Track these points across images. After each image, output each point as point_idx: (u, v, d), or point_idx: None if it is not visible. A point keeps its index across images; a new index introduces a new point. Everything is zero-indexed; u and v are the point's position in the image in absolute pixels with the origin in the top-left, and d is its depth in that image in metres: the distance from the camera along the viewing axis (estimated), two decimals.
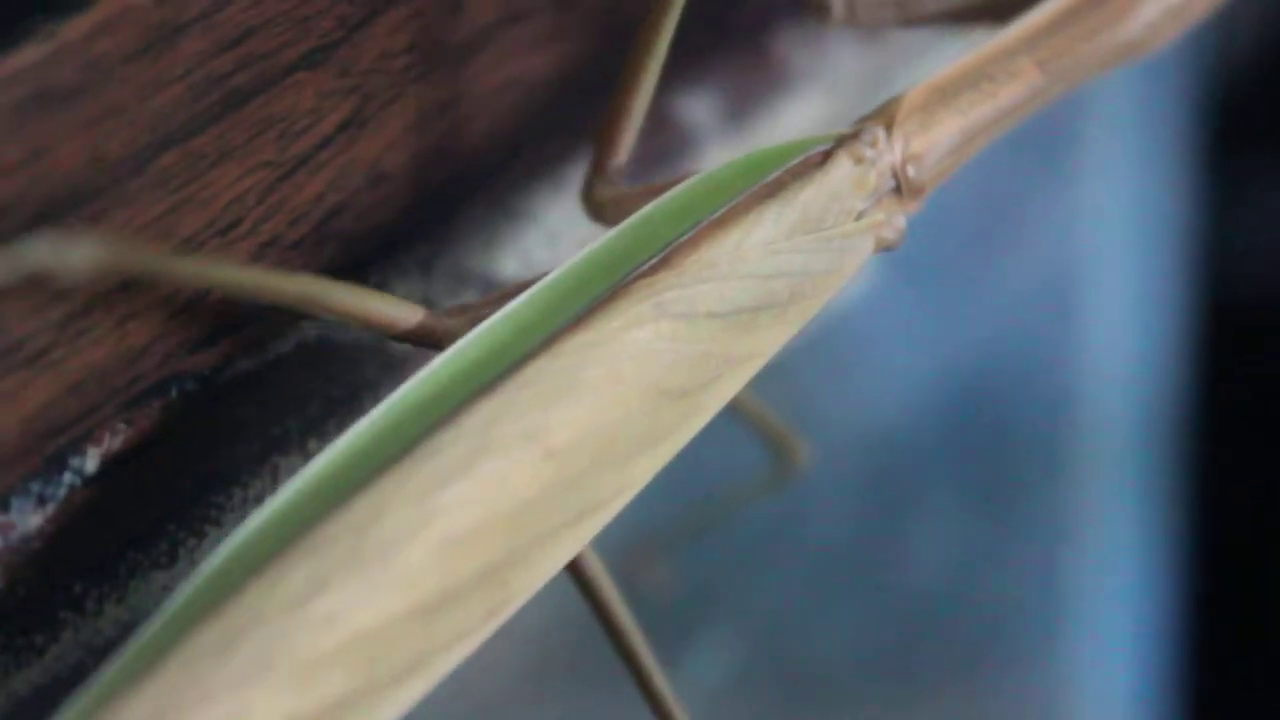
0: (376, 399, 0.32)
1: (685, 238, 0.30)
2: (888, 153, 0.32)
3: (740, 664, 0.49)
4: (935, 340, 0.53)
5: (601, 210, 0.32)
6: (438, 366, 0.28)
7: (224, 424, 0.30)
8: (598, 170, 0.32)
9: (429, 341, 0.30)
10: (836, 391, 0.49)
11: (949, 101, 0.33)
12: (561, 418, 0.28)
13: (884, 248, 0.32)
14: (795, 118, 0.39)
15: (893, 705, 0.56)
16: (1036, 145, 0.52)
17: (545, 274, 0.29)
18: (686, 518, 0.43)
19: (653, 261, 0.30)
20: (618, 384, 0.29)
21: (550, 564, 0.29)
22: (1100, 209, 0.56)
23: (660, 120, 0.35)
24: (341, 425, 0.32)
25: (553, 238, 0.35)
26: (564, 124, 0.34)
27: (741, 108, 0.38)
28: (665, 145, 0.37)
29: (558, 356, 0.28)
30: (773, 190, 0.31)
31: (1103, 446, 0.58)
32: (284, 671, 0.26)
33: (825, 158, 0.31)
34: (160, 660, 0.25)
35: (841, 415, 0.50)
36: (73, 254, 0.25)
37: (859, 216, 0.31)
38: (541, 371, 0.28)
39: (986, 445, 0.56)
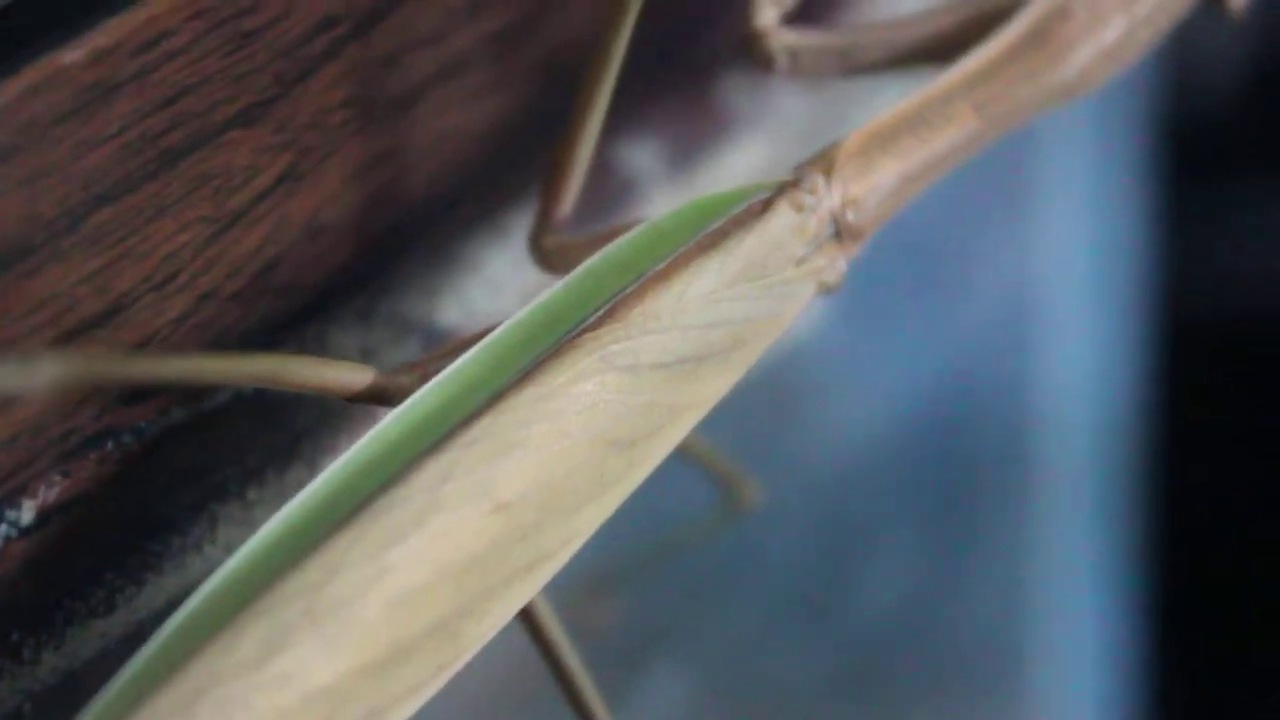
0: (315, 447, 0.33)
1: (629, 290, 0.30)
2: (827, 198, 0.32)
3: (696, 695, 0.49)
4: (891, 376, 0.54)
5: (548, 258, 0.33)
6: (388, 425, 0.28)
7: (160, 474, 0.30)
8: (544, 220, 0.32)
9: (382, 399, 0.30)
10: (794, 429, 0.50)
11: (887, 147, 0.33)
12: (509, 472, 0.29)
13: (825, 291, 0.32)
14: (738, 164, 0.39)
15: None
16: (990, 178, 0.53)
17: (493, 328, 0.29)
18: (639, 555, 0.43)
19: (598, 314, 0.30)
20: (564, 437, 0.29)
21: (500, 615, 0.29)
22: (1055, 240, 0.56)
23: (605, 168, 0.36)
24: (280, 473, 0.32)
25: (494, 286, 0.35)
26: (503, 174, 0.35)
27: (685, 155, 0.38)
28: (610, 193, 0.37)
29: (505, 412, 0.29)
30: (715, 240, 0.31)
31: (1058, 473, 0.58)
32: None
33: (766, 205, 0.32)
34: (129, 713, 0.26)
35: (800, 451, 0.50)
36: (36, 375, 0.25)
37: (800, 262, 0.32)
38: (489, 428, 0.28)
39: (943, 477, 0.56)
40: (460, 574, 0.28)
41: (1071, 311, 0.57)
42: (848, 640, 0.54)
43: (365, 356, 0.33)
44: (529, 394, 0.29)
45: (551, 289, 0.30)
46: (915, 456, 0.54)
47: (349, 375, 0.30)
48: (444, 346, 0.31)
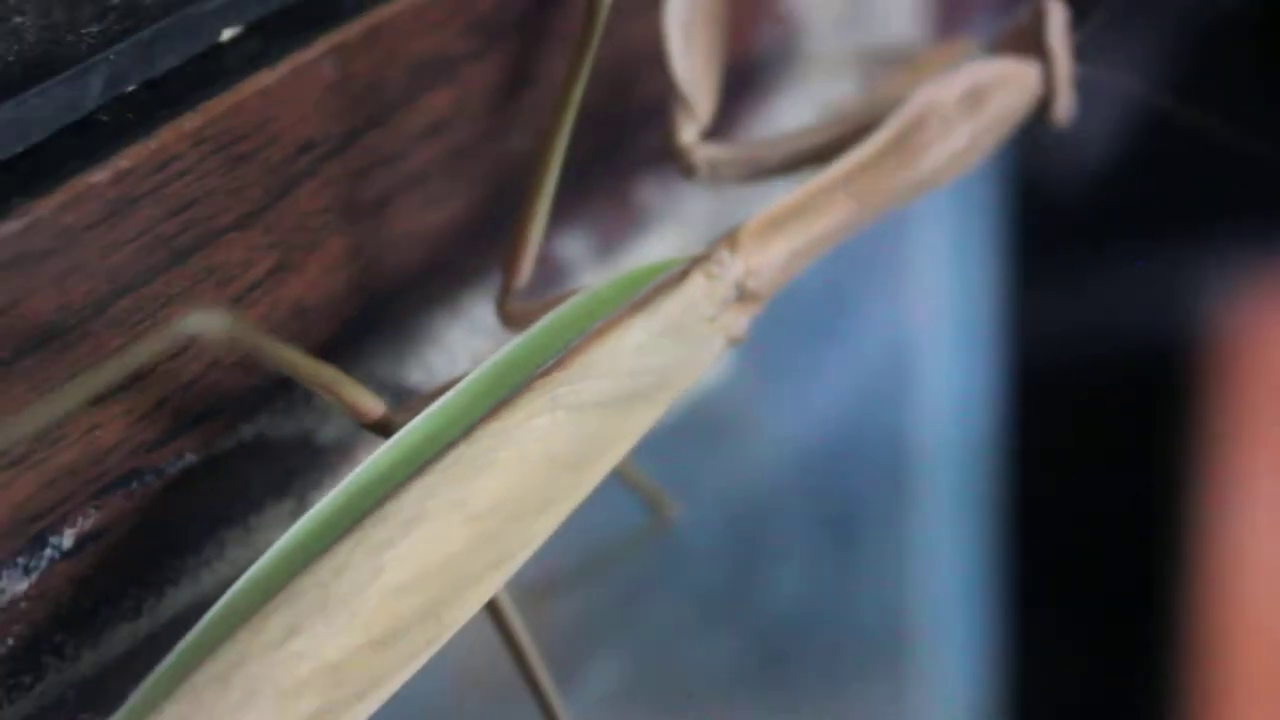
0: (304, 483, 0.33)
1: (574, 344, 0.31)
2: (732, 269, 0.33)
3: (629, 680, 0.49)
4: (791, 414, 0.54)
5: (511, 319, 0.33)
6: (382, 452, 0.29)
7: (177, 506, 0.31)
8: (506, 289, 0.33)
9: (383, 430, 0.31)
10: (713, 458, 0.50)
11: (781, 228, 0.33)
12: (480, 490, 0.29)
13: (732, 343, 0.33)
14: (652, 251, 0.39)
15: (759, 713, 0.56)
16: (872, 252, 0.53)
17: (464, 376, 0.30)
18: (580, 564, 0.43)
19: (549, 364, 0.30)
20: (524, 461, 0.30)
21: (474, 603, 0.30)
22: (925, 302, 0.56)
23: (545, 254, 0.36)
24: (277, 503, 0.33)
25: (450, 353, 0.35)
26: (457, 263, 0.35)
27: (609, 244, 0.38)
28: (549, 274, 0.37)
29: (475, 442, 0.29)
30: (643, 303, 0.32)
31: (930, 493, 0.58)
32: (268, 697, 0.27)
33: (684, 274, 0.32)
34: (175, 691, 0.27)
35: (717, 476, 0.50)
36: (214, 324, 0.26)
37: (711, 320, 0.32)
38: (462, 454, 0.29)
39: (834, 497, 0.56)
40: (441, 571, 0.29)
41: (939, 361, 0.57)
42: (756, 633, 0.54)
43: (343, 415, 0.32)
44: (494, 427, 0.30)
45: (512, 343, 0.31)
46: (812, 480, 0.54)
47: (368, 402, 0.30)
48: (428, 392, 0.31)
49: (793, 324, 0.41)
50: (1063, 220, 0.93)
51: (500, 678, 0.45)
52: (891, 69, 0.41)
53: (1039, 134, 0.84)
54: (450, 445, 0.29)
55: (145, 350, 0.27)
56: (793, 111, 0.41)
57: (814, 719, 0.58)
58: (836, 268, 0.50)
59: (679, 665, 0.51)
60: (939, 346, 0.57)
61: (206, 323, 0.26)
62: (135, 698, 0.27)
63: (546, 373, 0.30)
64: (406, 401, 0.31)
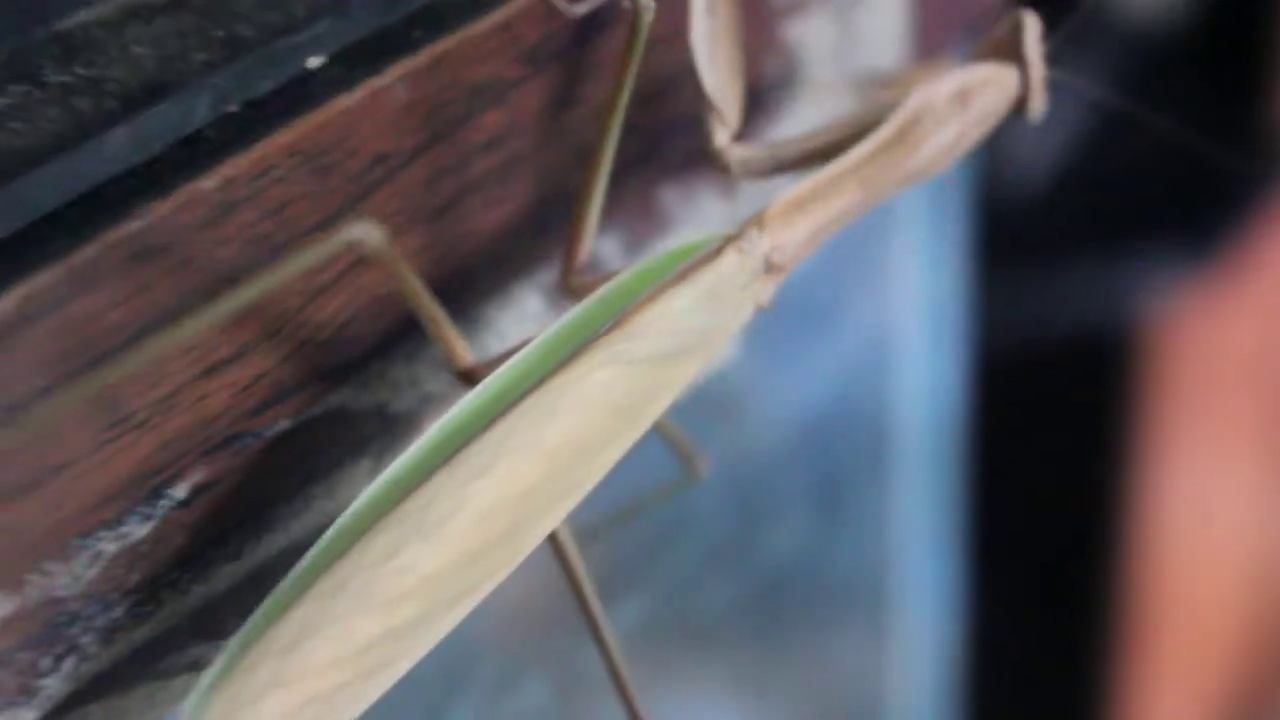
0: (378, 446, 0.34)
1: (628, 309, 0.31)
2: (760, 245, 0.33)
3: (649, 617, 0.49)
4: (790, 389, 0.54)
5: (573, 292, 0.34)
6: (468, 400, 0.30)
7: (273, 465, 0.31)
8: (568, 268, 0.34)
9: (468, 378, 0.32)
10: (722, 426, 0.50)
11: (801, 210, 0.33)
12: (552, 431, 0.30)
13: (759, 309, 0.33)
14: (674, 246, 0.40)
15: (759, 647, 0.56)
16: (860, 250, 0.53)
17: (535, 337, 0.31)
18: (615, 514, 0.43)
19: (608, 326, 0.31)
20: (589, 407, 0.30)
21: (545, 527, 0.30)
22: (905, 294, 0.56)
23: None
24: (354, 462, 0.33)
25: (502, 336, 0.36)
26: (510, 257, 0.35)
27: (637, 240, 0.39)
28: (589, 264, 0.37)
29: (548, 391, 0.30)
30: (685, 274, 0.32)
31: (908, 459, 0.59)
32: (376, 604, 0.28)
33: (720, 250, 0.33)
34: (299, 599, 0.28)
35: (726, 443, 0.50)
36: (371, 236, 0.27)
37: (743, 288, 0.33)
38: (537, 402, 0.30)
39: (825, 462, 0.56)
40: (519, 500, 0.29)
41: (913, 350, 0.57)
42: (755, 580, 0.54)
43: (412, 386, 0.33)
44: (564, 379, 0.30)
45: (576, 308, 0.31)
46: (804, 451, 0.55)
47: (462, 350, 0.31)
48: (505, 351, 0.32)
49: (790, 318, 0.41)
50: (1019, 228, 0.93)
51: (540, 610, 0.45)
52: (881, 86, 0.41)
53: (998, 157, 0.84)
54: (526, 394, 0.30)
55: (311, 256, 0.28)
56: (796, 126, 0.42)
57: (803, 652, 0.58)
58: (828, 271, 0.51)
59: (691, 605, 0.52)
60: (913, 337, 0.57)
61: (365, 233, 0.27)
62: (258, 612, 0.28)
63: (607, 333, 0.31)
64: (488, 357, 0.32)
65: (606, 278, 0.32)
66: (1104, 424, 1.00)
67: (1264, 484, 1.20)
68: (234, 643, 0.28)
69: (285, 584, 0.28)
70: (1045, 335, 0.96)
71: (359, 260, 0.32)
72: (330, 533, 0.28)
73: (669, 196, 0.39)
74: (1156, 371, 1.00)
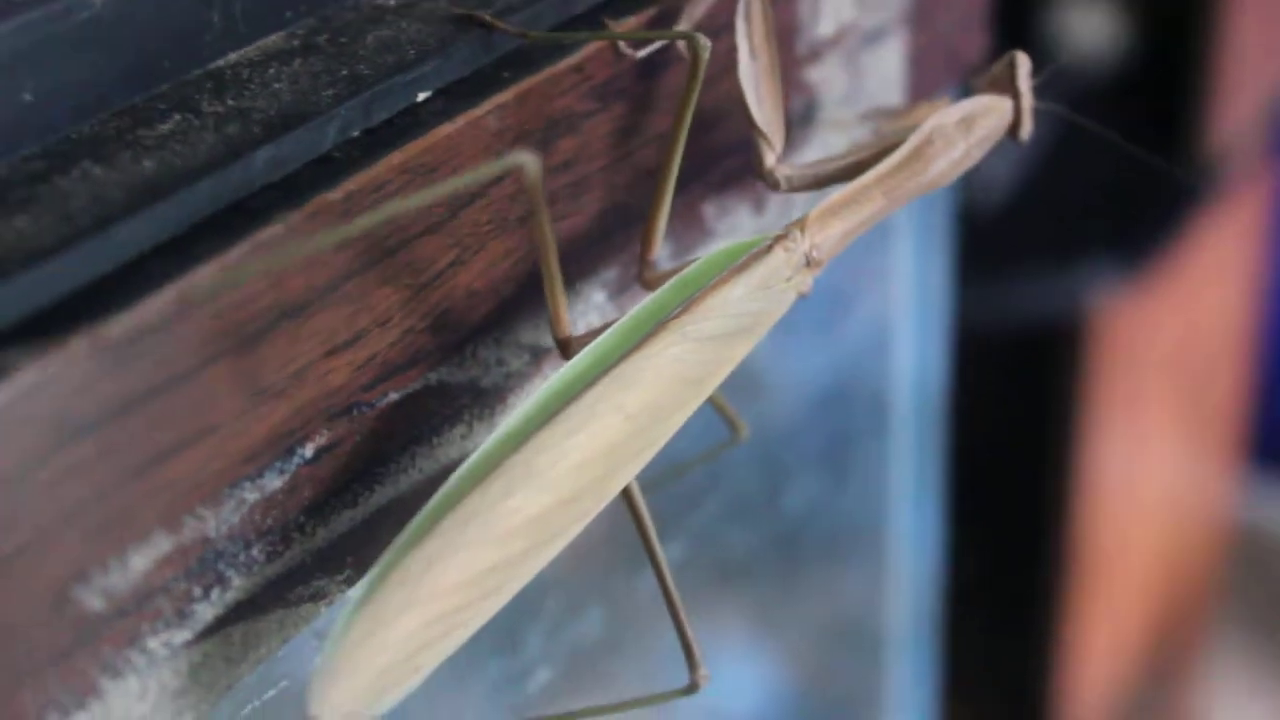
0: (471, 415, 0.33)
1: (695, 295, 0.31)
2: (802, 244, 0.33)
3: (686, 557, 0.49)
4: (805, 365, 0.53)
5: (647, 284, 0.33)
6: (565, 371, 0.30)
7: (384, 429, 0.31)
8: (644, 260, 0.33)
9: (564, 348, 0.31)
10: (746, 396, 0.49)
11: (836, 215, 0.33)
12: (634, 397, 0.29)
13: (801, 296, 0.33)
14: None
15: (778, 583, 0.56)
16: (867, 252, 0.53)
17: (617, 321, 0.31)
18: (678, 466, 0.42)
19: (677, 310, 0.31)
20: (662, 377, 0.30)
21: (626, 476, 0.30)
22: (902, 286, 0.55)
23: (635, 258, 0.36)
24: (451, 429, 0.32)
25: (573, 325, 0.34)
26: (579, 259, 0.34)
27: (683, 248, 0.38)
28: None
29: (629, 364, 0.30)
30: (741, 267, 0.32)
31: (903, 430, 0.58)
32: (492, 538, 0.28)
33: (769, 248, 0.32)
34: (429, 534, 0.27)
35: (750, 409, 0.49)
36: (531, 165, 0.28)
37: (788, 279, 0.32)
38: (621, 372, 0.29)
39: (834, 427, 0.55)
40: (607, 453, 0.29)
41: (906, 336, 0.56)
42: (775, 527, 0.53)
43: (499, 365, 0.33)
44: (642, 353, 0.30)
45: (650, 296, 0.31)
46: (819, 416, 0.54)
47: (565, 320, 0.31)
48: (593, 329, 0.32)
49: (807, 310, 0.40)
50: (990, 238, 0.94)
51: (597, 553, 0.45)
52: (886, 120, 0.41)
53: (973, 181, 0.82)
54: (611, 366, 0.29)
55: (477, 175, 0.29)
56: (817, 153, 0.41)
57: (815, 587, 0.58)
58: (838, 272, 0.50)
59: (721, 548, 0.51)
60: (906, 326, 0.56)
61: (527, 161, 0.27)
62: (393, 546, 0.28)
63: (676, 316, 0.30)
64: (580, 335, 0.32)
65: (675, 270, 0.32)
66: (1055, 398, 1.00)
67: (1180, 453, 1.20)
68: (374, 571, 0.27)
69: (415, 522, 0.28)
70: (1010, 325, 0.97)
71: (451, 264, 0.31)
72: (453, 480, 0.28)
73: (710, 210, 0.38)
74: (1098, 356, 0.99)
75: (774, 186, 0.35)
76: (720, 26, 0.35)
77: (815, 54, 0.40)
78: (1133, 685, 1.18)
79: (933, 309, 0.56)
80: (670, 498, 0.47)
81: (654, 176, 0.32)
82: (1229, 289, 1.20)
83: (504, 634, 0.41)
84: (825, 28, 0.40)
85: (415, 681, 0.28)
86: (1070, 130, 0.99)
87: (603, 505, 0.30)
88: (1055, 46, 1.01)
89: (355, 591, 0.27)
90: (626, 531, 0.33)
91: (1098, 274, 0.97)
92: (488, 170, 0.29)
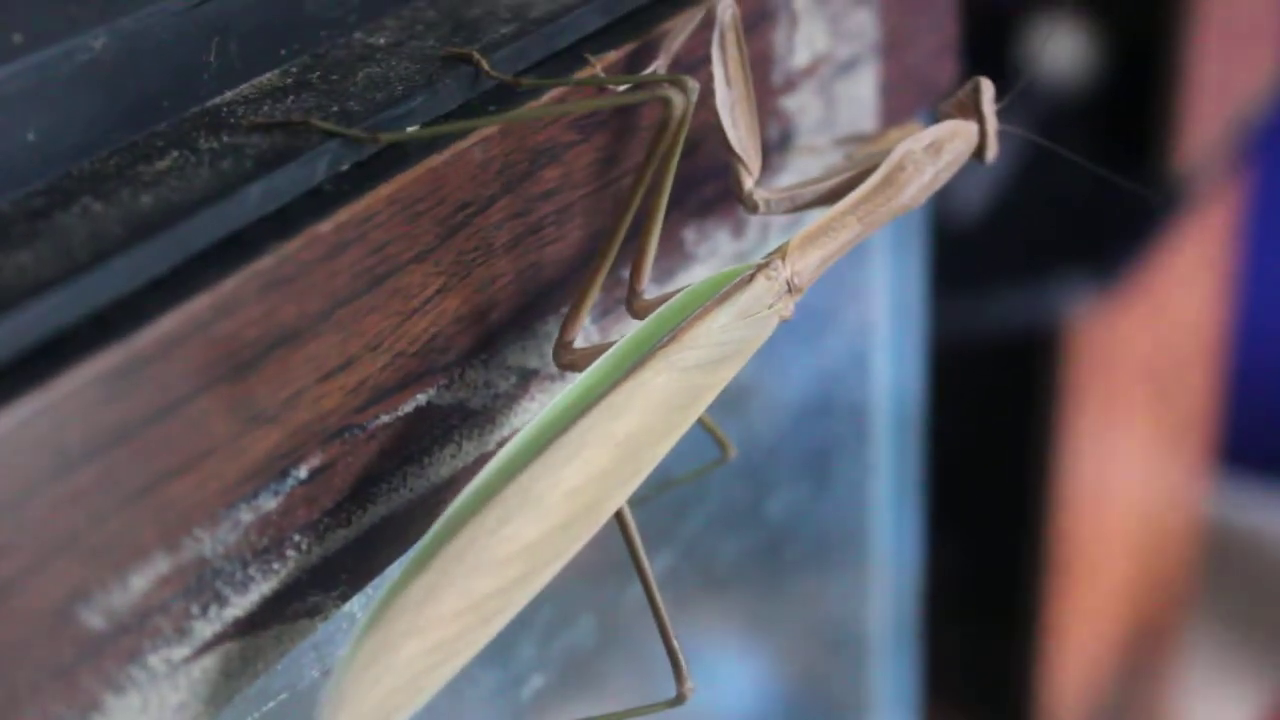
0: (460, 435, 0.32)
1: (680, 326, 0.31)
2: (783, 272, 0.32)
3: (675, 564, 0.48)
4: (790, 378, 0.53)
5: (636, 312, 0.33)
6: (556, 400, 0.29)
7: (375, 450, 0.30)
8: (632, 291, 0.33)
9: (565, 363, 0.32)
10: (735, 409, 0.49)
11: (814, 242, 0.33)
12: (622, 425, 0.29)
13: (783, 321, 0.33)
14: (696, 279, 0.38)
15: (763, 589, 0.56)
16: (847, 270, 0.52)
17: (608, 347, 0.30)
18: (667, 482, 0.42)
19: (664, 339, 0.30)
20: (649, 406, 0.30)
21: (618, 501, 0.30)
22: (880, 302, 0.55)
23: (619, 282, 0.36)
24: (441, 449, 0.32)
25: (544, 355, 0.34)
26: (564, 284, 0.34)
27: (665, 273, 0.37)
28: (620, 295, 0.37)
29: (618, 394, 0.29)
30: (725, 296, 0.31)
31: (882, 440, 0.57)
32: (489, 565, 0.28)
33: (751, 276, 0.32)
34: (428, 564, 0.27)
35: (737, 422, 0.49)
36: (679, 101, 0.30)
37: (770, 306, 0.32)
38: (610, 403, 0.29)
39: (818, 437, 0.55)
40: (598, 479, 0.29)
41: (885, 349, 0.56)
42: (761, 534, 0.53)
43: (486, 387, 0.32)
44: (630, 384, 0.29)
45: (638, 326, 0.31)
46: (801, 429, 0.54)
47: (575, 335, 0.31)
48: (593, 347, 0.32)
49: (789, 326, 0.40)
50: (964, 255, 0.94)
51: (588, 566, 0.45)
52: (860, 144, 0.40)
53: (946, 202, 0.82)
54: (602, 394, 0.29)
55: (631, 95, 0.30)
56: (794, 178, 0.41)
57: (799, 592, 0.58)
58: (819, 291, 0.50)
59: (710, 555, 0.51)
60: (885, 341, 0.56)
61: (679, 95, 0.29)
62: (395, 577, 0.27)
63: (663, 346, 0.30)
64: (575, 355, 0.32)
65: (662, 299, 0.32)
66: (1029, 407, 1.00)
67: (1153, 457, 1.20)
68: (376, 601, 0.27)
69: (415, 551, 0.28)
70: (984, 338, 0.97)
71: (439, 291, 0.31)
72: (450, 510, 0.28)
73: (690, 236, 0.38)
74: (1070, 366, 0.99)
75: (752, 209, 0.35)
76: (697, 60, 0.35)
77: (791, 84, 0.40)
78: (1110, 681, 1.18)
79: (910, 323, 0.56)
80: (661, 509, 0.46)
81: (643, 212, 0.32)
82: (1197, 299, 1.20)
83: (499, 643, 0.40)
84: (800, 58, 0.40)
85: (419, 703, 0.28)
86: (1043, 149, 0.99)
87: (595, 530, 0.29)
88: (1027, 72, 1.01)
89: (357, 624, 0.27)
90: (617, 545, 0.33)
91: (1071, 287, 0.97)
92: (639, 95, 0.29)
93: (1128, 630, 1.19)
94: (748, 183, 0.34)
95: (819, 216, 0.34)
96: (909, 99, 0.45)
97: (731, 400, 0.48)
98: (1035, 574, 1.03)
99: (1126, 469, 1.14)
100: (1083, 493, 1.05)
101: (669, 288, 0.36)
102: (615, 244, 0.31)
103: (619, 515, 0.32)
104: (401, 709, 0.28)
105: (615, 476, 0.29)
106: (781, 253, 0.33)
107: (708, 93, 0.34)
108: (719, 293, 0.31)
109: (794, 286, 0.32)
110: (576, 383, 0.30)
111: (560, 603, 0.43)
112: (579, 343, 0.33)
